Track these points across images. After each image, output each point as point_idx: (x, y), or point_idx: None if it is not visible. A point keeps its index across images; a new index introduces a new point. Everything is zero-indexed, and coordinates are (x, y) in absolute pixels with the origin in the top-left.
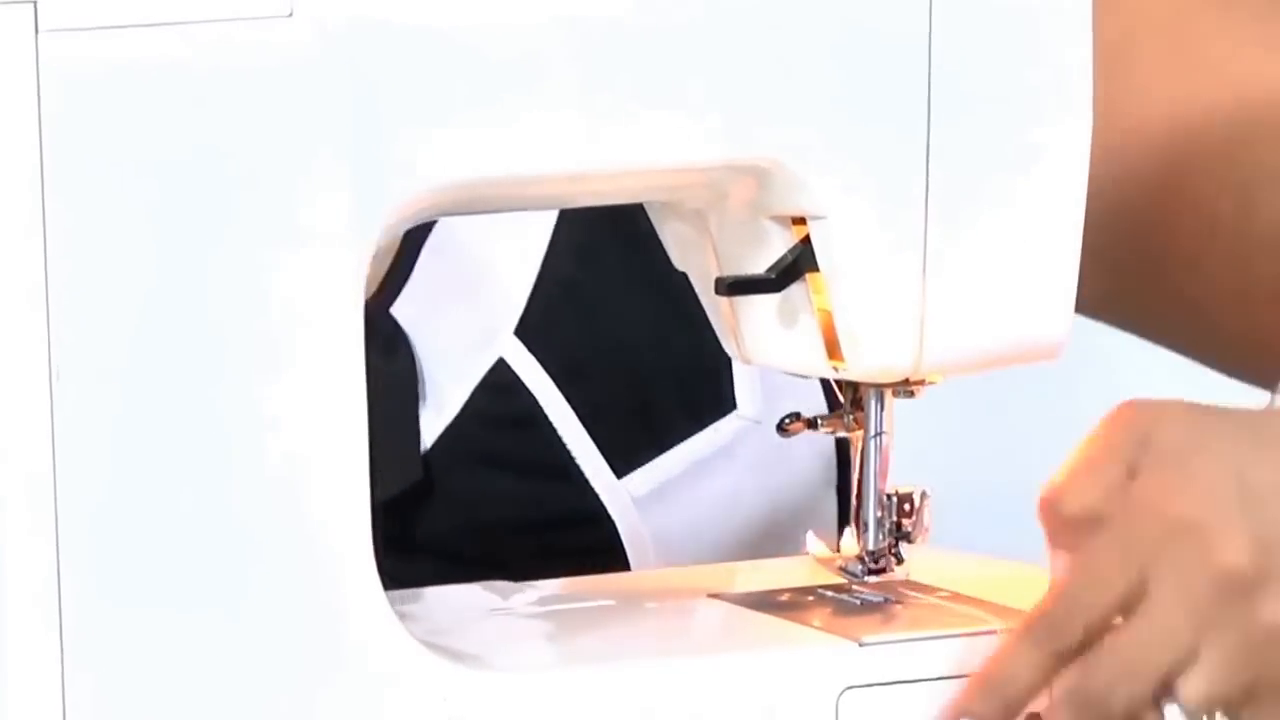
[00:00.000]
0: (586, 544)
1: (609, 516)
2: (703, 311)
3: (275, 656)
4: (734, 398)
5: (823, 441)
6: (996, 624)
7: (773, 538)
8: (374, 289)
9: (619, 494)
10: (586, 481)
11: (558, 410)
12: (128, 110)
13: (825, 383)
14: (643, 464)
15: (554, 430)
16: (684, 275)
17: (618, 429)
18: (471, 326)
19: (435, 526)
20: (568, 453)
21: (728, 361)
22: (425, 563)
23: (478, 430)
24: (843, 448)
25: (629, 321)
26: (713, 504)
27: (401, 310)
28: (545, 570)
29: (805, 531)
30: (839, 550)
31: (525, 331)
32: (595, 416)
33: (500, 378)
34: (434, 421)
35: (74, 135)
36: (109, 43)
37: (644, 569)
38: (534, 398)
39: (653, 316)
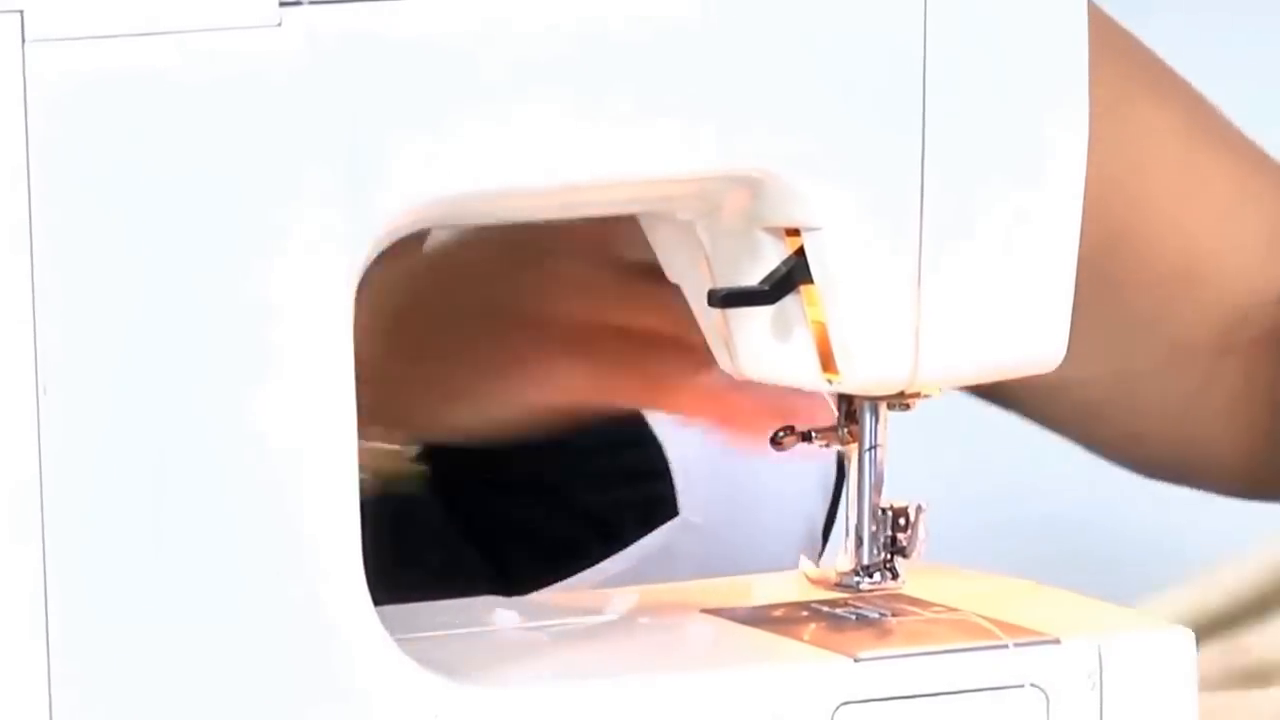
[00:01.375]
0: (636, 466)
1: (655, 439)
2: None
3: (263, 672)
4: None
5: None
6: (993, 640)
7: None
8: None
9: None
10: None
11: None
12: (115, 120)
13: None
14: None
15: None
16: None
17: None
18: None
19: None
20: None
21: None
22: (521, 502)
23: None
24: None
25: None
26: None
27: None
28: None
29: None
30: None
31: None
32: None
33: None
34: None
35: (61, 145)
36: (97, 52)
37: (690, 485)
38: None
39: None
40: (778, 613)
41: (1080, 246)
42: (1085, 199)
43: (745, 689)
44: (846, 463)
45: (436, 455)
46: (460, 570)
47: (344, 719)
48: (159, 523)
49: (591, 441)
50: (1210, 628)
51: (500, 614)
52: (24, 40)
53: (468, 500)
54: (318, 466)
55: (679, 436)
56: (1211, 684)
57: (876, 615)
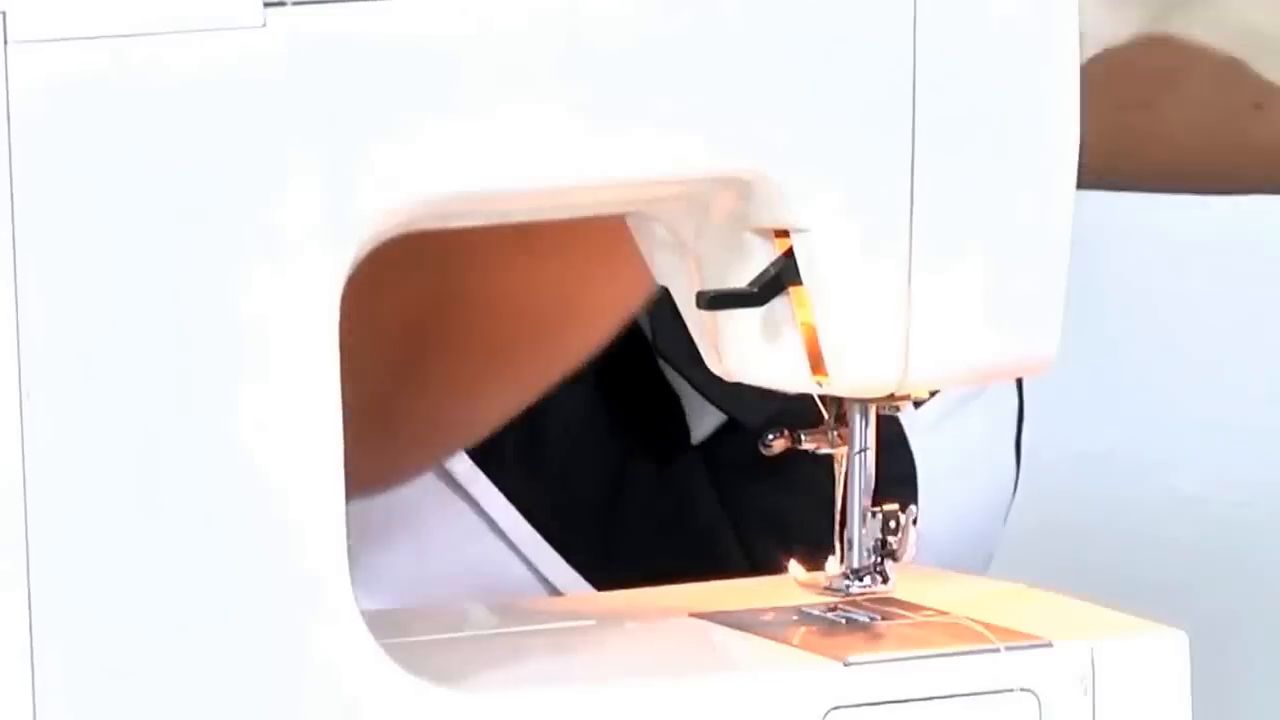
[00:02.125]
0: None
1: (907, 444)
2: None
3: (248, 677)
4: None
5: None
6: (985, 644)
7: None
8: None
9: (914, 421)
10: None
11: None
12: (98, 121)
13: None
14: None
15: None
16: None
17: None
18: None
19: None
20: None
21: None
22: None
23: None
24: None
25: None
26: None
27: None
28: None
29: None
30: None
31: None
32: None
33: None
34: None
35: (44, 147)
36: (79, 53)
37: (933, 491)
38: None
39: None
40: (767, 617)
41: None
42: None
43: (734, 693)
44: (836, 465)
45: (710, 445)
46: (716, 553)
47: None
48: (143, 528)
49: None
50: None
51: (488, 618)
52: (6, 41)
53: (732, 487)
54: (304, 470)
55: (933, 444)
56: None
57: (867, 619)
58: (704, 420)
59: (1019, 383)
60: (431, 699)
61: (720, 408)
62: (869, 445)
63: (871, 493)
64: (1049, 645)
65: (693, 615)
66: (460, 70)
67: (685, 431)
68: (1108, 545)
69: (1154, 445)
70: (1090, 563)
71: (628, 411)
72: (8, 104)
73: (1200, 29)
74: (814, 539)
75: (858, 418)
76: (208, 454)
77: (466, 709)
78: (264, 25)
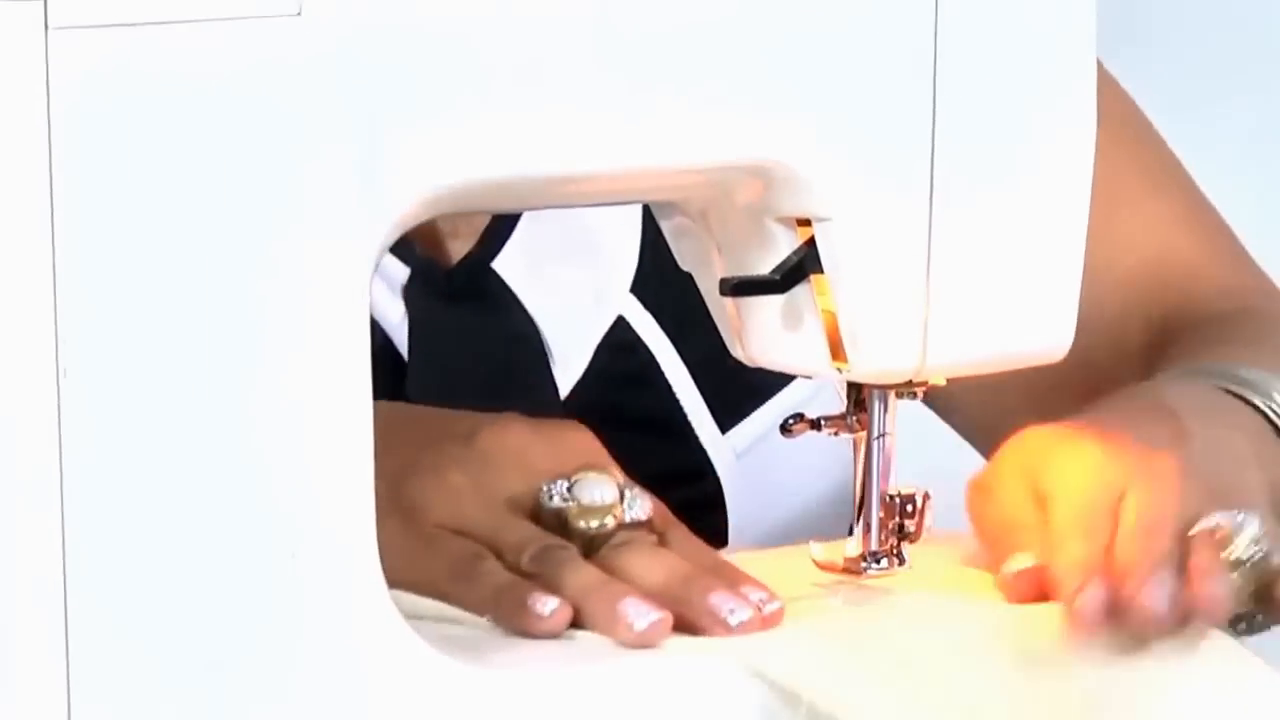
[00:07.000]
0: (691, 498)
1: (714, 471)
2: None
3: (279, 657)
4: None
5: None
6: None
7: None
8: (469, 244)
9: (723, 449)
10: (695, 436)
11: (672, 366)
12: (136, 108)
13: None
14: (746, 416)
15: (669, 386)
16: None
17: (723, 382)
18: (586, 286)
19: None
20: (680, 408)
21: None
22: None
23: (601, 387)
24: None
25: None
26: (809, 451)
27: (504, 268)
28: None
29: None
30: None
31: (639, 288)
32: (704, 370)
33: (620, 335)
34: (560, 380)
35: (82, 132)
36: (118, 40)
37: (743, 523)
38: (651, 354)
39: None
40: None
41: None
42: None
43: (751, 672)
44: (855, 451)
45: None
46: None
47: (360, 703)
48: (176, 505)
49: (653, 473)
50: None
51: None
52: (47, 27)
53: None
54: (334, 450)
55: (737, 468)
56: None
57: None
58: None
59: None
60: (463, 678)
61: None
62: (888, 431)
63: (889, 477)
64: None
65: None
66: (491, 58)
67: None
68: None
69: None
70: None
71: None
72: (48, 88)
73: None
74: None
75: (877, 404)
76: (239, 431)
77: (495, 687)
78: (299, 13)
